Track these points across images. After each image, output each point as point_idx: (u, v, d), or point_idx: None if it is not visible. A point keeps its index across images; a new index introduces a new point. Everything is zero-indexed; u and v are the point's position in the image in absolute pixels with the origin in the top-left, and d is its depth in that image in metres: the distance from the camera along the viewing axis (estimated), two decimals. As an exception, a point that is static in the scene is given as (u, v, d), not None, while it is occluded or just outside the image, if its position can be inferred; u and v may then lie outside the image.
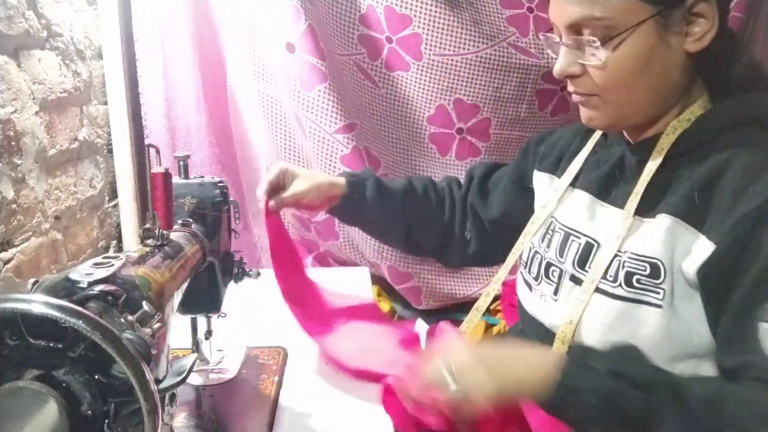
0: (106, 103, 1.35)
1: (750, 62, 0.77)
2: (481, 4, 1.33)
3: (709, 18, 0.72)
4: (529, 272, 0.90)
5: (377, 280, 1.49)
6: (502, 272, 0.96)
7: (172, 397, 0.51)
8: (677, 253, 0.72)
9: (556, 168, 0.94)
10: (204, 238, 0.82)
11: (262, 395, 0.88)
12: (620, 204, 0.79)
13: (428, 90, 1.38)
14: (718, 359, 0.71)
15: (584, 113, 0.81)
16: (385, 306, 1.50)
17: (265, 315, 1.08)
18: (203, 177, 0.89)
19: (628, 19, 0.71)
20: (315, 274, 1.06)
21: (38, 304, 0.42)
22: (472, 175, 1.10)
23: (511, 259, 0.96)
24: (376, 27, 1.34)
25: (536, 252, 0.89)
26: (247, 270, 0.93)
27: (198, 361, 0.92)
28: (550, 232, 0.88)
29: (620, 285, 0.75)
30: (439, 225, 1.09)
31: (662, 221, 0.73)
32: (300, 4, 1.28)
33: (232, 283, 0.94)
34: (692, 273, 0.70)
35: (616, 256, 0.77)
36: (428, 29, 1.32)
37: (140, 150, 1.40)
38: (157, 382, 0.46)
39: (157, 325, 0.50)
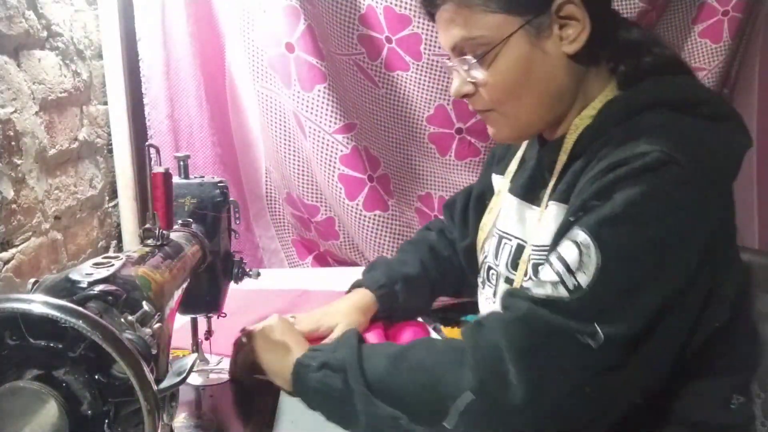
0: (106, 103, 1.35)
1: (661, 53, 0.77)
2: (481, 4, 1.33)
3: (579, 19, 0.72)
4: (479, 276, 0.93)
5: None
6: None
7: (172, 397, 0.51)
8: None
9: (505, 169, 0.95)
10: (204, 238, 0.82)
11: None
12: (539, 204, 0.80)
13: (428, 90, 1.38)
14: None
15: (489, 129, 0.82)
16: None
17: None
18: (203, 177, 0.89)
19: (500, 34, 0.73)
20: (315, 273, 1.07)
21: (38, 304, 0.42)
22: (452, 215, 1.09)
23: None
24: (375, 27, 1.34)
25: (485, 257, 0.91)
26: (247, 270, 0.93)
27: (198, 361, 0.92)
28: (490, 237, 0.90)
29: (530, 278, 0.77)
30: (457, 283, 1.10)
31: (551, 209, 0.76)
32: (299, 4, 1.28)
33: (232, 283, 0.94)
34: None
35: (527, 247, 0.79)
36: (428, 29, 1.32)
37: (140, 150, 1.40)
38: (157, 382, 0.46)
39: (157, 325, 0.50)
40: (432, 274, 1.06)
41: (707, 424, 0.73)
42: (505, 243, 0.86)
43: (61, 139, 1.15)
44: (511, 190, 0.88)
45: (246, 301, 1.15)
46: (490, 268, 0.89)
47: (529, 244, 0.79)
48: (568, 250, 0.65)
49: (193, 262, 0.75)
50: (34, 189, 1.05)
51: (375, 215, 1.40)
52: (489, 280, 0.89)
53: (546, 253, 0.73)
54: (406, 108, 1.42)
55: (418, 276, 1.05)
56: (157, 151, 0.70)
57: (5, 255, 0.96)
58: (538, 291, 0.65)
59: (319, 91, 1.32)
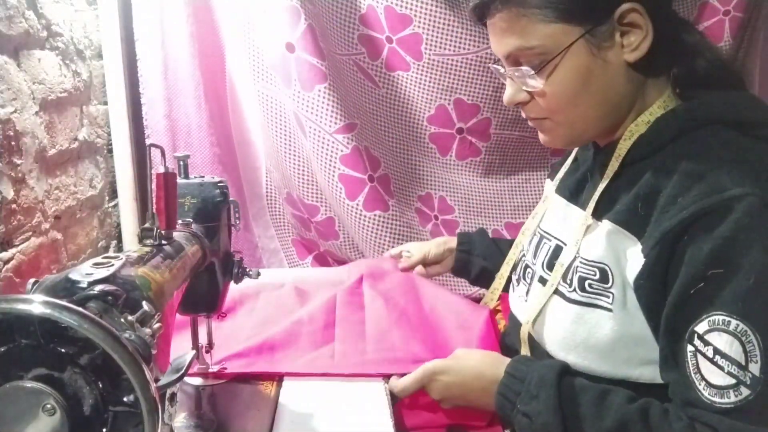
0: (106, 103, 1.35)
1: (715, 57, 0.76)
2: (481, 4, 1.33)
3: (642, 26, 0.71)
4: (515, 273, 0.93)
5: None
6: (504, 268, 0.98)
7: (172, 396, 0.51)
8: (621, 259, 0.72)
9: (554, 173, 0.96)
10: (204, 238, 0.82)
11: (262, 395, 0.88)
12: (584, 207, 0.80)
13: (428, 90, 1.38)
14: (659, 372, 0.71)
15: (541, 136, 0.82)
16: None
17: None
18: (203, 177, 0.89)
19: (559, 43, 0.72)
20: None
21: (38, 304, 0.42)
22: None
23: (511, 255, 0.98)
24: (376, 27, 1.33)
25: (523, 254, 0.91)
26: (247, 270, 0.93)
27: (197, 358, 0.91)
28: (533, 235, 0.90)
29: (575, 289, 0.76)
30: None
31: (605, 226, 0.74)
32: (300, 4, 1.28)
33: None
34: (631, 282, 0.70)
35: (574, 259, 0.77)
36: (428, 29, 1.32)
37: (140, 150, 1.40)
38: (157, 381, 0.46)
39: (157, 325, 0.50)
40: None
41: None
42: (545, 242, 0.85)
43: (61, 139, 1.15)
44: (558, 191, 0.88)
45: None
46: (527, 266, 0.89)
47: (576, 254, 0.77)
48: (728, 344, 0.61)
49: (193, 262, 0.75)
50: (34, 189, 1.04)
51: (375, 215, 1.40)
52: (524, 278, 0.89)
53: (595, 269, 0.73)
54: (407, 108, 1.42)
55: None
56: (162, 152, 0.69)
57: (5, 255, 0.96)
58: (721, 400, 0.62)
59: (319, 91, 1.32)
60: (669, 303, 0.66)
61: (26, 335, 0.43)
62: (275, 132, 1.42)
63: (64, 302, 0.43)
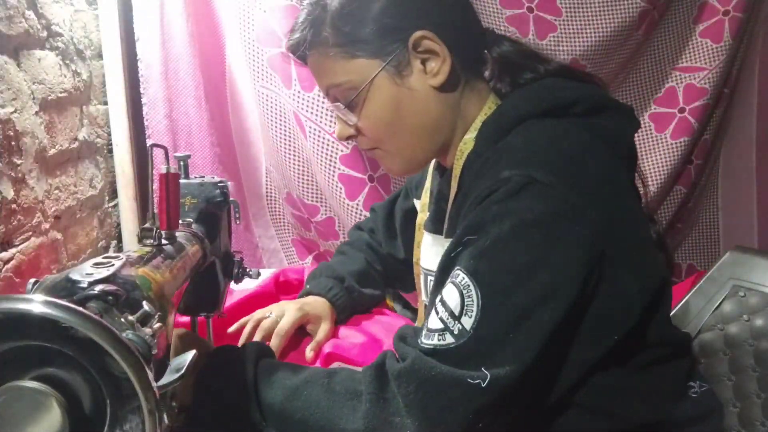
0: (106, 103, 1.35)
1: (545, 68, 0.77)
2: (481, 4, 1.33)
3: (437, 51, 0.73)
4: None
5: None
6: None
7: (173, 397, 0.51)
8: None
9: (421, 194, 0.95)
10: (204, 238, 0.82)
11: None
12: (449, 235, 0.78)
13: (428, 90, 1.38)
14: None
15: (381, 165, 0.83)
16: (387, 303, 1.50)
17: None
18: (203, 177, 0.89)
19: (363, 78, 0.74)
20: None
21: (38, 304, 0.42)
22: (376, 220, 1.12)
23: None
24: (376, 27, 1.33)
25: (421, 291, 0.92)
26: (247, 270, 0.93)
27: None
28: (421, 274, 0.91)
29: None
30: (402, 279, 1.11)
31: (446, 244, 0.73)
32: (300, 4, 1.28)
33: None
34: None
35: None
36: (428, 29, 1.32)
37: (140, 150, 1.40)
38: (157, 381, 0.46)
39: (157, 325, 0.50)
40: (377, 267, 1.09)
41: (670, 420, 0.72)
42: (430, 279, 0.85)
43: (61, 139, 1.15)
44: (425, 226, 0.88)
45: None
46: (425, 305, 0.89)
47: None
48: (450, 294, 0.63)
49: (193, 262, 0.75)
50: (34, 189, 1.04)
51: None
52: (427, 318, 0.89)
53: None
54: (407, 108, 1.42)
55: (365, 270, 1.07)
56: (166, 151, 0.70)
57: (5, 255, 0.96)
58: (427, 341, 0.63)
59: (319, 91, 1.32)
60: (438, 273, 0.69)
61: (26, 335, 0.43)
62: (275, 132, 1.42)
63: (64, 302, 0.43)
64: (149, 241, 0.66)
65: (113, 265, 0.52)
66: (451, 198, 0.77)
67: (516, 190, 0.62)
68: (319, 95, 1.32)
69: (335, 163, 1.37)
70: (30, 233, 1.03)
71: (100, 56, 1.32)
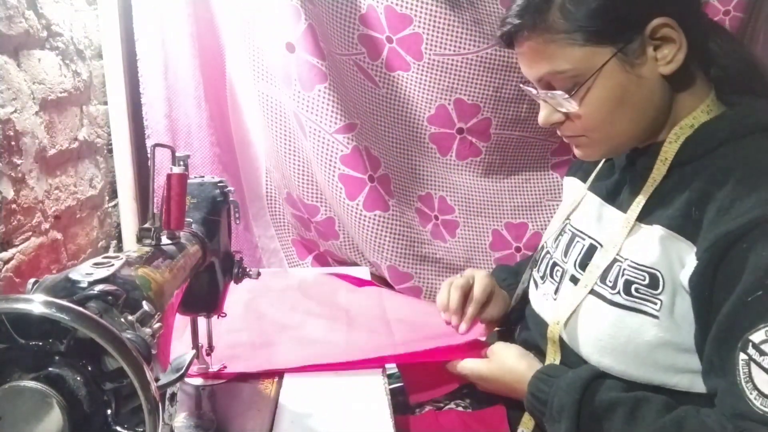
0: (106, 103, 1.35)
1: (749, 60, 0.76)
2: (482, 4, 1.33)
3: (675, 39, 0.70)
4: (538, 270, 0.91)
5: (377, 280, 1.49)
6: (526, 275, 0.98)
7: (172, 396, 0.51)
8: (675, 265, 0.70)
9: (581, 172, 0.95)
10: (204, 238, 0.82)
11: (262, 395, 0.88)
12: (625, 209, 0.78)
13: (428, 90, 1.38)
14: (702, 378, 0.70)
15: (577, 152, 0.81)
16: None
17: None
18: (203, 177, 0.89)
19: (590, 65, 0.71)
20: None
21: (38, 304, 0.42)
22: None
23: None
24: (376, 27, 1.33)
25: (547, 252, 0.90)
26: (247, 270, 0.93)
27: (196, 358, 0.91)
28: (562, 233, 0.88)
29: (619, 292, 0.74)
30: None
31: (657, 231, 0.72)
32: (300, 4, 1.28)
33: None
34: (686, 286, 0.69)
35: (615, 261, 0.76)
36: (428, 29, 1.32)
37: (140, 150, 1.40)
38: (157, 381, 0.46)
39: (157, 325, 0.50)
40: None
41: None
42: (578, 241, 0.84)
43: (61, 139, 1.15)
44: (593, 189, 0.86)
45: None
46: (555, 264, 0.87)
47: (617, 257, 0.76)
48: None
49: (193, 262, 0.75)
50: (34, 189, 1.04)
51: (375, 215, 1.40)
52: (552, 276, 0.87)
53: (645, 274, 0.71)
54: (407, 108, 1.42)
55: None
56: (172, 152, 0.69)
57: (5, 255, 0.96)
58: None
59: (319, 91, 1.32)
60: (723, 310, 0.65)
61: (26, 335, 0.43)
62: (275, 132, 1.42)
63: (64, 302, 0.43)
64: (148, 241, 0.66)
65: (113, 265, 0.52)
66: (654, 178, 0.75)
67: None
68: (319, 95, 1.32)
69: (335, 163, 1.37)
70: (30, 233, 1.03)
71: (100, 56, 1.32)
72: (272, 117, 1.41)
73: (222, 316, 0.92)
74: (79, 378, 0.44)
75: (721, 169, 0.70)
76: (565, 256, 0.85)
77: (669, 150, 0.75)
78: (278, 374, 0.92)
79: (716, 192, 0.68)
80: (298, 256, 1.58)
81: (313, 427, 0.80)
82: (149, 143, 1.37)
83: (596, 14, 0.70)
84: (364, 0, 1.31)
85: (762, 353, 0.61)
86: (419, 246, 1.46)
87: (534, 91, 0.78)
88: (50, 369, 0.44)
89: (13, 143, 0.98)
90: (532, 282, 0.93)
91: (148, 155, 0.91)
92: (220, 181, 0.89)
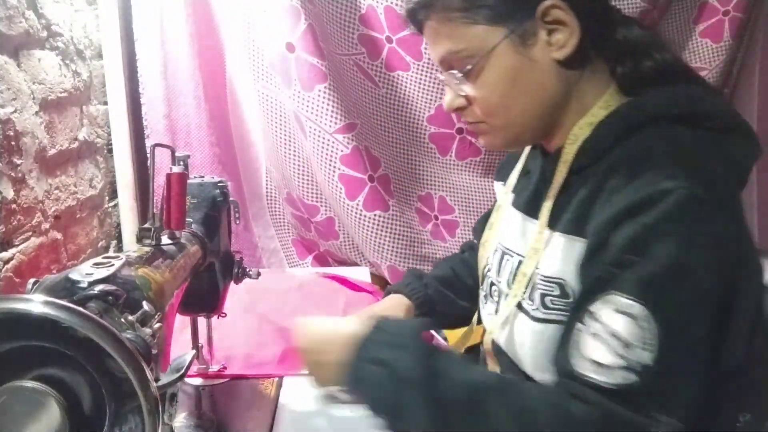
0: (106, 103, 1.35)
1: (663, 57, 0.74)
2: (481, 4, 1.33)
3: (567, 23, 0.70)
4: (482, 288, 0.91)
5: (377, 279, 1.49)
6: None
7: (172, 396, 0.51)
8: (577, 268, 0.69)
9: (506, 177, 0.93)
10: (204, 238, 0.82)
11: (262, 395, 0.88)
12: (554, 225, 0.76)
13: (428, 90, 1.38)
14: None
15: (480, 140, 0.80)
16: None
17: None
18: (203, 177, 0.89)
19: (484, 45, 0.71)
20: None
21: (38, 304, 0.42)
22: (477, 237, 1.07)
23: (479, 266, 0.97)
24: (376, 27, 1.33)
25: (488, 270, 0.89)
26: (247, 270, 0.93)
27: (196, 358, 0.92)
28: (495, 251, 0.88)
29: (538, 308, 0.73)
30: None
31: (558, 239, 0.72)
32: (300, 4, 1.28)
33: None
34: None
35: (534, 275, 0.75)
36: (428, 29, 1.32)
37: (140, 150, 1.40)
38: (157, 381, 0.46)
39: (157, 325, 0.50)
40: (466, 280, 1.04)
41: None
42: (507, 259, 0.83)
43: (61, 139, 1.15)
44: (515, 204, 0.85)
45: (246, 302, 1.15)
46: (492, 283, 0.87)
47: (535, 271, 0.74)
48: (619, 323, 0.59)
49: (193, 262, 0.75)
50: (34, 189, 1.04)
51: (375, 215, 1.40)
52: (491, 296, 0.87)
53: (553, 285, 0.70)
54: (407, 108, 1.42)
55: (449, 277, 1.04)
56: (172, 152, 0.69)
57: (5, 255, 0.96)
58: (605, 379, 0.59)
59: (319, 91, 1.32)
60: (582, 287, 0.66)
61: (26, 335, 0.43)
62: (275, 132, 1.42)
63: (64, 302, 0.43)
64: (148, 241, 0.66)
65: (113, 265, 0.52)
66: (557, 183, 0.74)
67: (681, 208, 0.60)
68: (319, 95, 1.32)
69: (335, 163, 1.37)
70: (30, 233, 1.03)
71: (100, 56, 1.32)
72: (272, 117, 1.41)
73: (222, 316, 0.92)
74: (79, 378, 0.44)
75: (611, 165, 0.69)
76: (499, 275, 0.84)
77: (569, 152, 0.74)
78: (278, 374, 0.92)
79: (605, 186, 0.68)
80: (298, 256, 1.58)
81: (313, 427, 0.80)
82: (149, 143, 1.37)
83: None
84: (363, 0, 1.31)
85: (598, 320, 0.61)
86: (419, 246, 1.46)
87: (441, 77, 0.78)
88: (50, 369, 0.44)
89: (13, 143, 0.98)
90: (480, 299, 0.92)
91: (148, 155, 0.91)
92: (220, 181, 0.89)
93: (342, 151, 1.36)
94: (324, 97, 1.32)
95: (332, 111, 1.33)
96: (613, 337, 0.59)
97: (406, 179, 1.49)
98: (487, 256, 0.90)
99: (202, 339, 0.92)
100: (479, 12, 0.70)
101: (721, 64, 1.45)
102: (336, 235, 1.48)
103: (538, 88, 0.73)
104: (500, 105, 0.74)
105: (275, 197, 1.54)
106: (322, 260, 1.58)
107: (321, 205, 1.45)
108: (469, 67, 0.72)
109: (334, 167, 1.37)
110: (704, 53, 1.46)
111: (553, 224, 0.74)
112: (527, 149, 0.89)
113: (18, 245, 1.00)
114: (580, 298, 0.65)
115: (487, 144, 0.80)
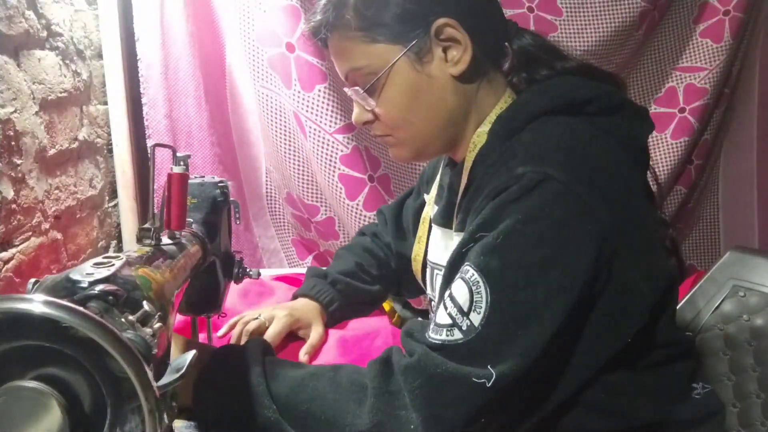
0: (106, 103, 1.35)
1: (564, 66, 0.77)
2: (482, 4, 1.33)
3: (461, 41, 0.72)
4: (426, 301, 0.92)
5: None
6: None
7: (173, 396, 0.51)
8: None
9: (429, 188, 0.95)
10: (205, 238, 0.82)
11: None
12: (459, 229, 0.78)
13: (428, 90, 1.38)
14: None
15: (390, 152, 0.83)
16: (385, 306, 1.50)
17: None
18: (203, 177, 0.89)
19: (383, 63, 0.73)
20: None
21: (38, 304, 0.42)
22: (385, 219, 1.10)
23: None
24: (376, 27, 1.33)
25: (425, 285, 0.91)
26: (248, 270, 0.93)
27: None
28: (424, 267, 0.90)
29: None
30: (397, 284, 1.11)
31: (456, 239, 0.74)
32: (300, 4, 1.28)
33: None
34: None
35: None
36: (428, 29, 1.32)
37: (140, 150, 1.40)
38: (157, 381, 0.45)
39: (157, 325, 0.50)
40: (371, 270, 1.06)
41: (672, 421, 0.72)
42: (437, 273, 0.85)
43: (61, 139, 1.15)
44: (434, 219, 0.87)
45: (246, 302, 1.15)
46: (431, 299, 0.89)
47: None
48: (459, 289, 0.63)
49: (193, 262, 0.75)
50: (33, 189, 1.04)
51: (375, 215, 1.40)
52: (432, 311, 0.88)
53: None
54: (407, 108, 1.42)
55: (355, 272, 1.05)
56: (173, 151, 0.69)
57: (5, 255, 0.96)
58: (434, 336, 0.63)
59: (319, 91, 1.32)
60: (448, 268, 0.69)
61: (26, 335, 0.43)
62: (275, 132, 1.42)
63: (64, 302, 0.43)
64: (148, 241, 0.66)
65: (113, 265, 0.52)
66: (461, 191, 0.77)
67: (530, 187, 0.62)
68: (319, 95, 1.32)
69: (335, 163, 1.37)
70: (30, 233, 1.03)
71: (100, 56, 1.32)
72: (272, 117, 1.41)
73: (222, 316, 0.92)
74: (79, 378, 0.44)
75: (493, 164, 0.71)
76: (432, 290, 0.87)
77: (468, 160, 0.77)
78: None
79: (486, 184, 0.70)
80: (298, 256, 1.58)
81: (314, 427, 0.80)
82: (149, 143, 1.37)
83: (384, 12, 0.72)
84: (364, 0, 1.31)
85: (449, 290, 0.65)
86: (419, 246, 1.46)
87: (348, 91, 0.80)
88: (50, 369, 0.44)
89: (13, 143, 0.98)
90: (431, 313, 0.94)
91: (149, 155, 0.91)
92: (221, 181, 0.89)
93: (342, 151, 1.36)
94: (324, 97, 1.32)
95: (332, 111, 1.33)
96: (451, 302, 0.63)
97: (406, 179, 1.49)
98: (419, 270, 0.92)
99: (202, 339, 0.92)
100: (377, 31, 0.73)
101: (721, 64, 1.45)
102: (336, 235, 1.48)
103: (437, 102, 0.75)
104: (402, 119, 0.76)
105: (275, 197, 1.54)
106: (322, 260, 1.58)
107: (321, 205, 1.45)
108: (371, 83, 0.75)
109: (334, 167, 1.37)
110: (704, 53, 1.46)
111: (459, 228, 0.77)
112: (442, 163, 0.90)
113: (18, 245, 1.00)
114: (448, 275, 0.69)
115: (395, 156, 0.82)
